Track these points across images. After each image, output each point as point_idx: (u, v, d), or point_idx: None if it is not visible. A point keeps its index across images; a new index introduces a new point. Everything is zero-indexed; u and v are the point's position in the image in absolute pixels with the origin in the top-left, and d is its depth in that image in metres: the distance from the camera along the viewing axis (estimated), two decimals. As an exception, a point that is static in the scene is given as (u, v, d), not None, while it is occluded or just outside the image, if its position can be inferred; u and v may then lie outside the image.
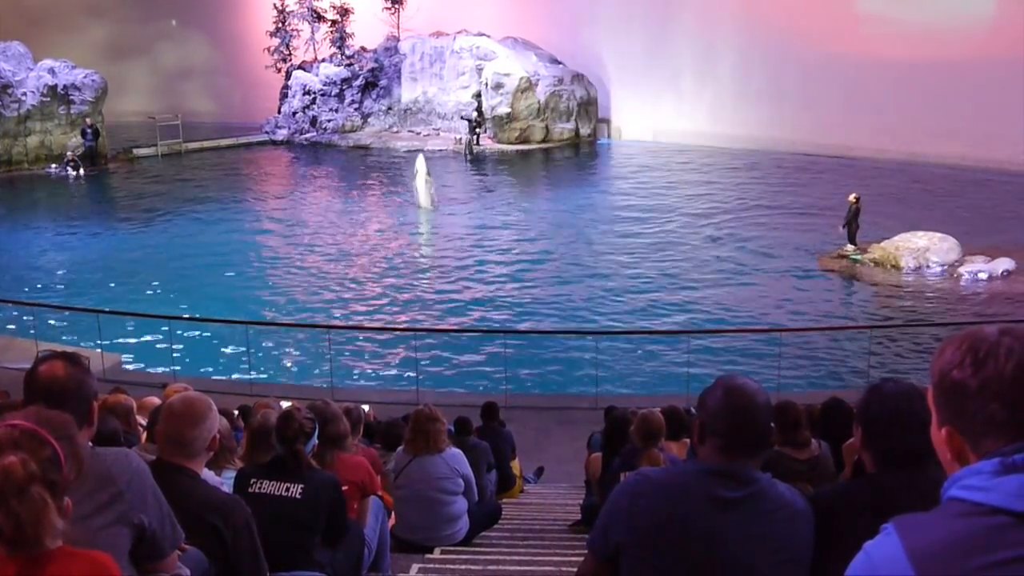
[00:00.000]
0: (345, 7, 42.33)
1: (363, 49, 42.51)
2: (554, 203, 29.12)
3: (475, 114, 38.56)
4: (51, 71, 34.59)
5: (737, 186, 30.70)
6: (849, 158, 33.38)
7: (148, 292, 20.05)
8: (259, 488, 4.42)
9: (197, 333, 16.90)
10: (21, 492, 2.04)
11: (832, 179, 30.20)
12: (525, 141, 38.71)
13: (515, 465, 10.07)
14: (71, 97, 34.78)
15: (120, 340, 16.48)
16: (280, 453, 4.54)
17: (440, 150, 38.53)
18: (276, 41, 43.33)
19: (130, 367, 15.70)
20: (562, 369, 15.72)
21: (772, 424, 5.85)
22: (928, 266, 20.23)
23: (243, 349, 15.61)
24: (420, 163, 28.04)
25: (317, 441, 4.74)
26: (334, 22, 42.54)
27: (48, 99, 34.35)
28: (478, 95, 39.42)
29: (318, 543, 4.54)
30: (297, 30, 43.37)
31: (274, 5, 43.18)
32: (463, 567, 6.03)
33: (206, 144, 40.19)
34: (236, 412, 8.10)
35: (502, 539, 7.41)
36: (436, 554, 6.47)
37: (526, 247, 23.77)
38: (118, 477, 2.74)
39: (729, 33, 37.57)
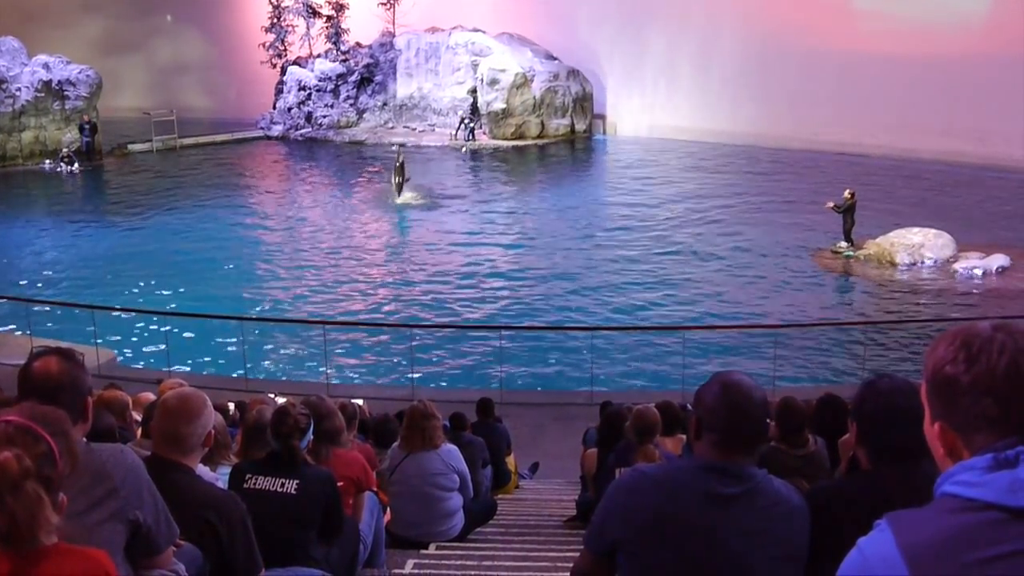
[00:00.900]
0: (340, 3, 42.29)
1: (358, 45, 42.47)
2: (549, 198, 29.12)
3: (468, 109, 38.62)
4: (46, 66, 34.51)
5: (732, 182, 30.73)
6: (845, 154, 33.42)
7: (143, 288, 20.01)
8: (254, 484, 4.42)
9: (192, 329, 16.87)
10: (15, 488, 2.04)
11: (828, 175, 30.24)
12: (520, 137, 38.71)
13: (510, 461, 10.08)
14: (66, 93, 34.71)
15: (115, 336, 16.45)
16: (275, 449, 4.54)
17: (435, 146, 38.55)
18: (271, 36, 43.28)
19: (125, 363, 15.67)
20: (557, 365, 15.73)
21: (771, 421, 5.88)
22: (923, 262, 20.27)
23: (238, 345, 15.59)
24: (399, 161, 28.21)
25: (312, 437, 4.74)
26: (329, 17, 42.51)
27: (43, 95, 34.28)
28: (473, 91, 39.42)
29: (313, 539, 4.54)
30: (292, 25, 43.32)
31: (269, 0, 43.10)
32: (458, 563, 6.04)
33: (201, 140, 40.16)
34: (231, 408, 8.09)
35: (497, 535, 7.41)
36: (431, 550, 6.48)
37: (521, 242, 23.77)
38: (113, 473, 2.73)
39: (725, 29, 37.58)
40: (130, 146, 38.22)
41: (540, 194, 30.06)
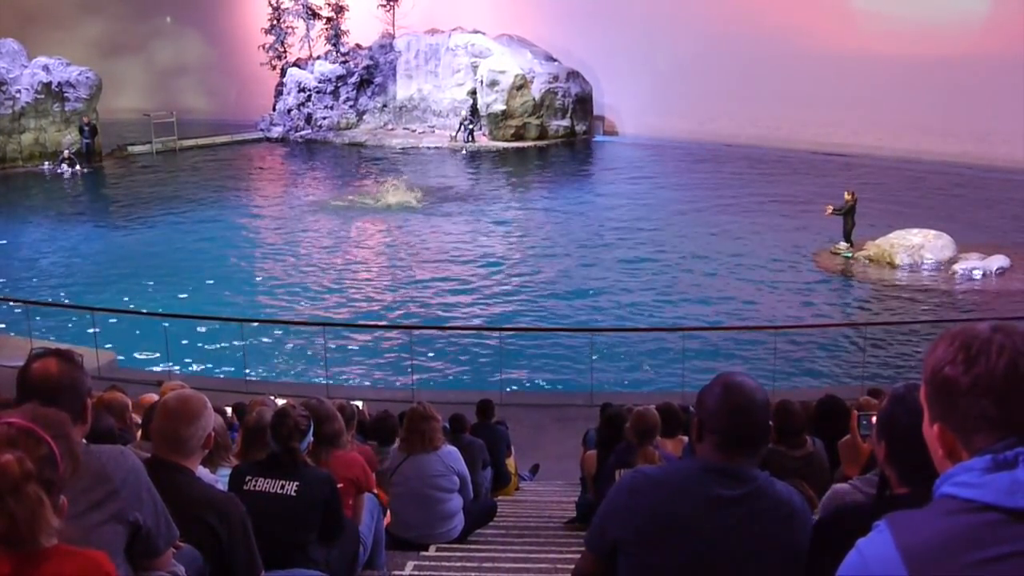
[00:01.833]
0: (340, 4, 42.32)
1: (358, 46, 42.49)
2: (549, 200, 29.12)
3: (467, 112, 38.66)
4: (45, 68, 34.51)
5: (732, 183, 30.72)
6: (845, 155, 33.44)
7: (143, 289, 20.00)
8: (254, 486, 4.42)
9: (192, 330, 16.86)
10: (16, 490, 2.04)
11: (828, 176, 30.26)
12: (520, 138, 38.72)
13: (510, 462, 10.08)
14: (65, 94, 34.71)
15: (115, 337, 16.44)
16: (275, 451, 4.55)
17: (435, 147, 38.57)
18: (271, 38, 43.28)
19: (125, 365, 15.66)
20: (557, 366, 15.72)
21: (770, 422, 5.88)
22: (923, 263, 20.27)
23: (238, 346, 15.60)
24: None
25: (312, 439, 4.74)
26: (329, 19, 42.52)
27: (42, 96, 34.28)
28: (472, 92, 39.44)
29: (313, 540, 4.54)
30: (292, 27, 43.32)
31: (269, 2, 43.13)
32: (459, 564, 6.04)
33: (201, 141, 40.15)
34: (231, 410, 8.09)
35: (497, 536, 7.41)
36: (432, 551, 6.48)
37: (522, 244, 23.78)
38: (113, 475, 2.74)
39: (724, 29, 37.59)
40: (130, 148, 38.21)
41: (540, 195, 30.05)
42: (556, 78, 39.26)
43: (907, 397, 2.46)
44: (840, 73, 34.44)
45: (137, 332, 16.60)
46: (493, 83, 38.65)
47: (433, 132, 40.44)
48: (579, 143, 39.55)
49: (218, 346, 16.39)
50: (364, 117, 42.08)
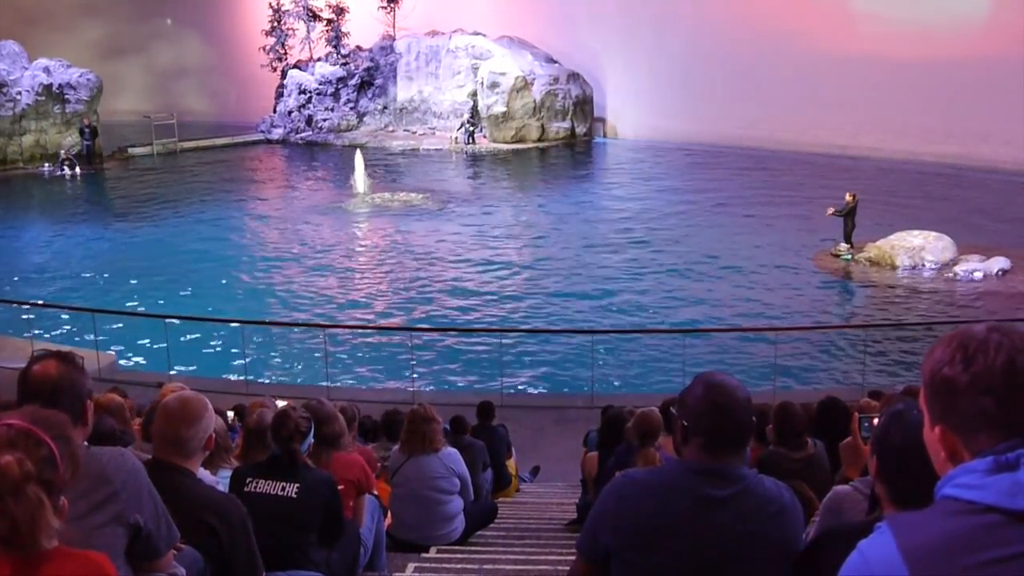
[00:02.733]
0: (341, 6, 42.37)
1: (359, 48, 42.52)
2: (549, 202, 29.13)
3: (467, 114, 38.68)
4: (46, 70, 34.55)
5: (732, 185, 30.71)
6: (845, 157, 33.44)
7: (144, 291, 20.01)
8: (255, 487, 4.42)
9: (193, 332, 16.87)
10: (17, 492, 2.04)
11: (828, 178, 30.23)
12: (521, 140, 38.73)
13: (511, 464, 10.08)
14: (66, 96, 34.74)
15: (116, 339, 16.45)
16: (276, 452, 4.54)
17: (436, 149, 38.58)
18: (271, 40, 43.34)
19: (126, 366, 15.67)
20: (558, 368, 15.72)
21: (765, 422, 5.88)
22: (923, 265, 20.26)
23: (239, 348, 15.60)
24: (358, 157, 31.36)
25: (313, 440, 4.74)
26: (330, 21, 42.57)
27: (43, 98, 34.32)
28: (473, 94, 39.45)
29: (314, 542, 4.54)
30: (292, 29, 43.37)
31: (269, 4, 43.18)
32: (459, 566, 6.03)
33: (201, 143, 40.18)
34: (231, 411, 8.09)
35: (498, 538, 7.41)
36: (432, 553, 6.47)
37: (522, 245, 23.78)
38: (113, 476, 2.74)
39: (724, 31, 37.59)
40: (130, 150, 38.24)
41: (540, 197, 30.06)
42: (556, 80, 39.28)
43: (904, 415, 2.41)
44: (841, 75, 34.42)
45: (138, 334, 16.60)
46: (493, 85, 38.67)
47: (434, 134, 40.46)
48: (579, 145, 39.56)
49: (219, 347, 16.40)
50: (364, 119, 42.11)
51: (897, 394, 6.09)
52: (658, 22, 39.22)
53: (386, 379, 15.51)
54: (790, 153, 34.72)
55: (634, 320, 18.09)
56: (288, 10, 43.17)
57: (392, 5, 42.05)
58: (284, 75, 42.62)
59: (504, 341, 15.76)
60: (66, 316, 17.55)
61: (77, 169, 33.72)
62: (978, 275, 19.77)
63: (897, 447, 2.37)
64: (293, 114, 41.63)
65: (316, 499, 4.45)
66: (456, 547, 6.70)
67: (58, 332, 16.85)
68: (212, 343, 16.52)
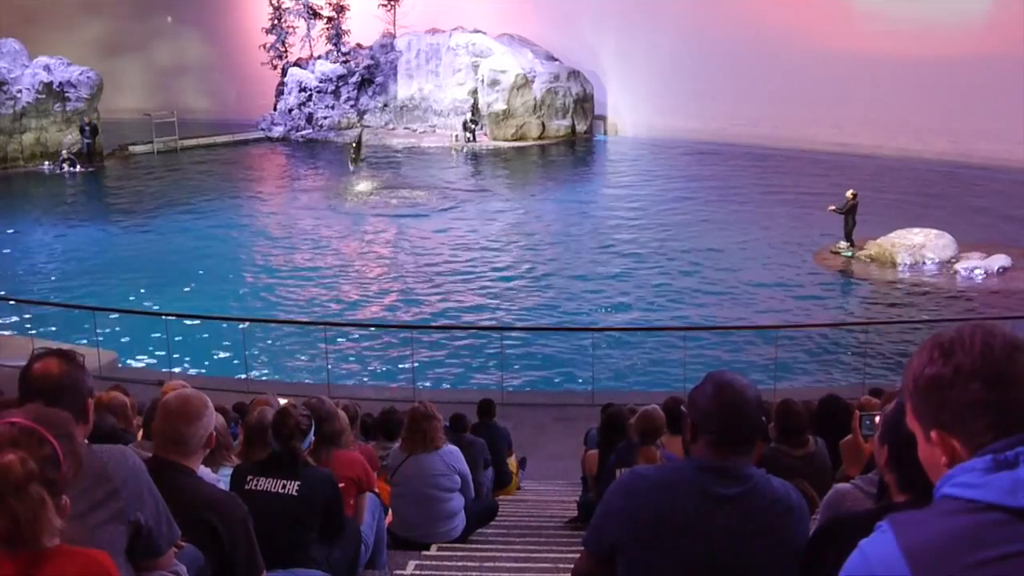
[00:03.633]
0: (341, 4, 42.31)
1: (359, 46, 42.48)
2: (550, 200, 29.12)
3: (470, 112, 38.65)
4: (46, 68, 34.51)
5: (733, 182, 30.70)
6: (845, 155, 33.40)
7: (144, 289, 20.01)
8: (255, 485, 4.42)
9: (193, 330, 16.88)
10: (19, 490, 2.04)
11: (829, 176, 30.21)
12: (521, 138, 38.71)
13: (511, 462, 10.08)
14: (66, 94, 34.71)
15: (116, 337, 16.45)
16: (276, 450, 4.55)
17: (436, 147, 38.56)
18: (272, 38, 43.26)
19: (127, 364, 15.67)
20: (558, 366, 15.72)
21: (767, 420, 5.88)
22: (924, 263, 20.27)
23: (240, 346, 15.60)
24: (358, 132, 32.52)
25: (313, 438, 4.75)
26: (330, 19, 42.51)
27: (43, 96, 34.28)
28: (473, 92, 39.43)
29: (315, 540, 4.54)
30: (293, 27, 43.31)
31: (270, 2, 43.10)
32: (460, 564, 6.04)
33: (202, 141, 40.13)
34: (232, 409, 8.09)
35: (499, 536, 7.42)
36: (433, 551, 6.48)
37: (522, 243, 23.78)
38: (114, 474, 2.73)
39: (725, 29, 37.54)
40: (131, 147, 38.19)
41: (541, 195, 30.04)
42: (557, 77, 39.25)
43: None
44: (841, 73, 34.39)
45: (139, 331, 16.61)
46: (494, 82, 38.65)
47: (434, 132, 40.45)
48: (580, 142, 39.53)
49: (220, 345, 16.40)
50: (365, 117, 42.08)
51: (898, 391, 6.09)
52: (658, 20, 39.15)
53: (387, 377, 15.51)
54: (791, 151, 34.69)
55: (634, 317, 18.09)
56: (288, 8, 43.09)
57: (392, 3, 42.01)
58: (284, 73, 42.58)
59: (504, 338, 15.77)
60: (67, 314, 17.55)
61: (77, 167, 33.71)
62: (979, 273, 19.77)
63: (907, 434, 2.38)
64: (293, 112, 41.60)
65: (317, 497, 4.46)
66: (457, 545, 6.70)
67: (59, 330, 16.85)
68: (213, 340, 16.52)
